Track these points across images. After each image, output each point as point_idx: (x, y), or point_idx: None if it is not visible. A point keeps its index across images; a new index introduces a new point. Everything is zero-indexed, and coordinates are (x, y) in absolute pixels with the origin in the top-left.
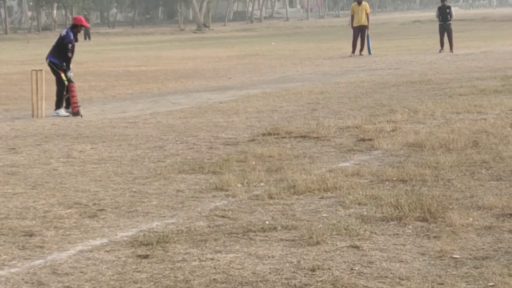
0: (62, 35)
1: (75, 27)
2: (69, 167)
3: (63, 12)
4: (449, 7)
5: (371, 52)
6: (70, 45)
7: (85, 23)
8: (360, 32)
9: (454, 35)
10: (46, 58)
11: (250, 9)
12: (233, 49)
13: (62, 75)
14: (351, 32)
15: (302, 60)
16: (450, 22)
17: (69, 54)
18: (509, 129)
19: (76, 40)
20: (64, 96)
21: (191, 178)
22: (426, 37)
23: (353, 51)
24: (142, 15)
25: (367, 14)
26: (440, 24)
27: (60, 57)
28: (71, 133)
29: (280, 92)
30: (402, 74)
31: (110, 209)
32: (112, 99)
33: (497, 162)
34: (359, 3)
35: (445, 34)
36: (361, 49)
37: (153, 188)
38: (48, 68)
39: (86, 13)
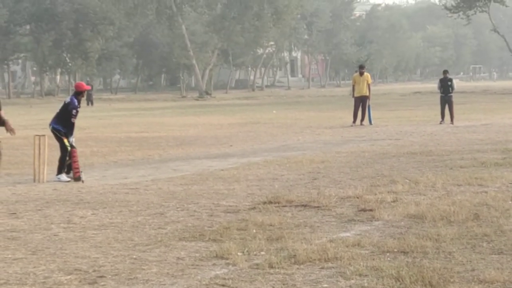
0: (66, 102)
1: (79, 94)
2: (69, 233)
3: (66, 78)
4: (450, 80)
5: (372, 122)
6: (74, 111)
7: (86, 87)
8: (361, 102)
9: (455, 107)
10: (50, 125)
11: (252, 77)
12: (235, 116)
13: (65, 141)
14: (352, 101)
15: (303, 129)
16: (452, 94)
17: (73, 120)
18: (510, 202)
19: (79, 106)
20: (67, 161)
21: (192, 245)
22: (426, 108)
23: (354, 121)
24: (144, 82)
25: (368, 85)
26: (441, 96)
27: (63, 123)
28: (72, 199)
29: (281, 160)
30: (403, 145)
31: (110, 276)
32: (114, 165)
33: (498, 235)
34: (361, 74)
35: (446, 106)
36: (362, 119)
37: (154, 255)
38: (51, 134)
39: (88, 79)
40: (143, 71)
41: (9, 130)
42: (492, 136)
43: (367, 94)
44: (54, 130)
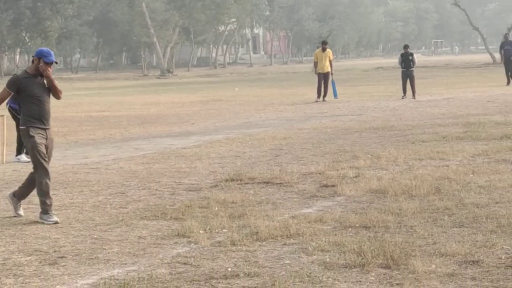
0: None
1: None
2: (29, 214)
3: (26, 57)
4: (411, 54)
5: (337, 95)
6: None
7: None
8: (324, 78)
9: (416, 81)
10: (7, 104)
11: (213, 55)
12: (197, 94)
13: None
14: (314, 78)
15: (266, 106)
16: (413, 69)
17: None
18: (471, 175)
19: None
20: None
21: (153, 224)
22: (389, 84)
23: (318, 97)
24: (105, 60)
25: (330, 61)
26: (402, 71)
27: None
28: None
29: (243, 137)
30: (365, 120)
31: (70, 256)
32: (74, 144)
33: (460, 209)
34: (324, 50)
35: (408, 81)
36: (325, 95)
37: (115, 234)
38: (9, 114)
39: None
40: (104, 50)
41: None
42: (454, 110)
43: (330, 70)
44: (11, 109)
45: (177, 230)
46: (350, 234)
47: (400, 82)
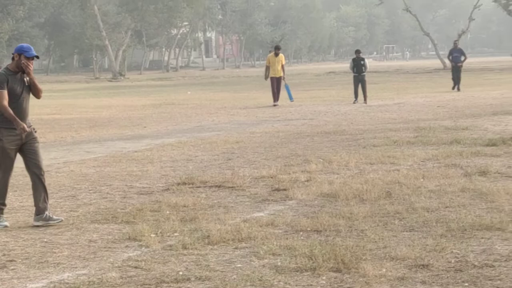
0: None
1: None
2: None
3: None
4: (363, 59)
5: (293, 98)
6: None
7: None
8: (277, 82)
9: (368, 86)
10: None
11: (166, 58)
12: (149, 97)
13: None
14: (266, 82)
15: (218, 110)
16: (364, 73)
17: None
18: (422, 180)
19: None
20: None
21: (104, 228)
22: (340, 88)
23: (275, 100)
24: (56, 63)
25: (282, 65)
26: (354, 76)
27: None
28: None
29: (195, 141)
30: (317, 124)
31: (20, 260)
32: None
33: (410, 213)
34: (276, 54)
35: (360, 86)
36: (277, 99)
37: (65, 238)
38: None
39: None
40: (55, 52)
41: None
42: (405, 115)
43: (282, 74)
44: None
45: (128, 233)
46: (302, 238)
47: (352, 86)
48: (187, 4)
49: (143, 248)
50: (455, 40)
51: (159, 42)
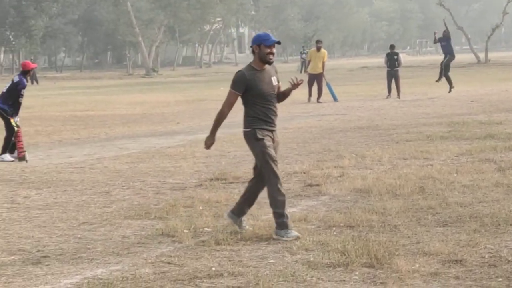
0: (15, 81)
1: (26, 73)
2: (13, 213)
3: (10, 56)
4: (397, 54)
5: (337, 99)
6: (23, 90)
7: (32, 65)
8: (315, 79)
9: (401, 81)
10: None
11: (199, 54)
12: (182, 94)
13: (12, 121)
14: (300, 77)
15: None
16: (398, 68)
17: (21, 100)
18: (455, 175)
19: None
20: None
21: (137, 224)
22: (373, 83)
23: (310, 95)
24: (90, 60)
25: (323, 62)
26: (388, 70)
27: (10, 103)
28: (16, 179)
29: (228, 137)
30: (350, 119)
31: (54, 256)
32: (58, 144)
33: (443, 208)
34: (318, 49)
35: (393, 80)
36: (319, 96)
37: (98, 234)
38: None
39: (32, 58)
40: (89, 49)
41: None
42: (438, 109)
43: (321, 71)
44: (0, 110)
45: (161, 229)
46: (334, 233)
47: (385, 81)
48: (220, 0)
49: (176, 243)
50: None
51: (192, 38)
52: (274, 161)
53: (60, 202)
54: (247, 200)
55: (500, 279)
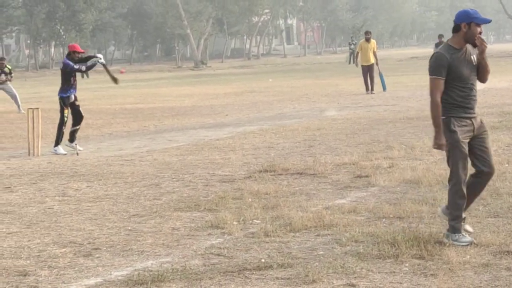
0: (61, 68)
1: (70, 54)
2: (64, 206)
3: (61, 50)
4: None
5: (386, 88)
6: (70, 68)
7: (79, 49)
8: (368, 71)
9: None
10: (58, 95)
11: (247, 46)
12: (231, 86)
13: (66, 111)
14: (348, 68)
15: (299, 97)
16: None
17: (73, 80)
18: (507, 165)
19: (75, 65)
20: (75, 129)
21: (187, 216)
22: (423, 73)
23: (367, 90)
24: (139, 53)
25: (374, 52)
26: None
27: (68, 87)
28: (67, 171)
29: (277, 128)
30: (399, 110)
31: (105, 248)
32: (109, 136)
33: (494, 198)
34: (368, 40)
35: None
36: (372, 88)
37: (148, 226)
38: (46, 107)
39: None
40: (138, 42)
41: None
42: (489, 99)
43: (374, 61)
44: (60, 99)
45: (210, 221)
46: (384, 224)
47: None
48: None
49: (225, 235)
50: None
51: (240, 30)
52: (463, 158)
53: (110, 195)
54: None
55: None
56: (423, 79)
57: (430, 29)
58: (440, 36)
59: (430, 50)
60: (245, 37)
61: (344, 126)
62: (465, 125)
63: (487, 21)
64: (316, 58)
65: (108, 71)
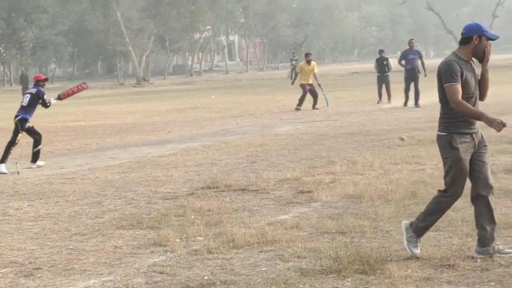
0: (33, 92)
1: (38, 83)
2: (4, 225)
3: (1, 68)
4: (386, 59)
5: (329, 103)
6: (44, 98)
7: (42, 77)
8: (309, 87)
9: (392, 86)
10: (16, 116)
11: (189, 62)
12: (173, 102)
13: (19, 135)
14: (289, 84)
15: (242, 113)
16: (388, 73)
17: (47, 103)
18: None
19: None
20: (37, 149)
21: (129, 234)
22: (364, 89)
23: (300, 104)
24: (81, 70)
25: (314, 74)
26: (378, 76)
27: (32, 111)
28: (7, 190)
29: (219, 145)
30: (341, 125)
31: (46, 268)
32: (50, 155)
33: None
34: (308, 62)
35: (384, 85)
36: (314, 103)
37: (90, 245)
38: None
39: (23, 69)
40: (79, 59)
41: None
42: (429, 114)
43: (315, 81)
44: (21, 120)
45: (153, 239)
46: (327, 240)
47: (376, 87)
48: (209, 8)
49: (168, 253)
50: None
51: (182, 47)
52: (463, 176)
53: (52, 214)
54: (489, 223)
55: (493, 283)
56: (365, 94)
57: (371, 45)
58: (381, 51)
59: (370, 66)
60: (187, 54)
61: (287, 141)
62: (467, 141)
63: (497, 37)
64: (258, 74)
65: (71, 94)
